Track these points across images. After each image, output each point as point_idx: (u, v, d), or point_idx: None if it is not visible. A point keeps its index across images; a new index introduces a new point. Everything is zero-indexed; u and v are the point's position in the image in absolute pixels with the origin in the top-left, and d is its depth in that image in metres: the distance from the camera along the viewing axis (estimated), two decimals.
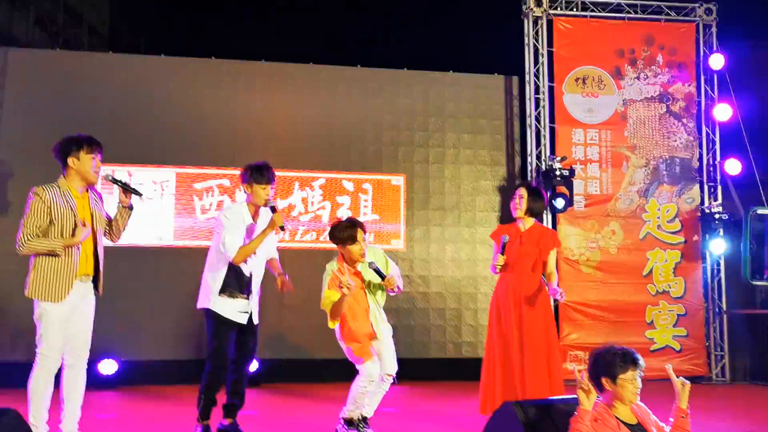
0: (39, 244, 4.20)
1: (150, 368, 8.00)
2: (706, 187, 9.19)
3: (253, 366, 7.87)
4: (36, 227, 4.21)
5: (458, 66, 9.08)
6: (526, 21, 9.05)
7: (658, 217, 9.01)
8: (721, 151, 9.22)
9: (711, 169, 9.24)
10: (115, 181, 4.50)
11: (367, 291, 4.97)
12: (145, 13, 11.05)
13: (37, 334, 4.28)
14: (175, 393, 7.20)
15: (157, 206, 8.13)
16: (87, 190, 4.43)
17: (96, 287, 4.45)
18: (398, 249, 8.64)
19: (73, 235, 4.25)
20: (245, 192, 4.91)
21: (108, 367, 7.72)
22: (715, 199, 9.13)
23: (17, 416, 3.67)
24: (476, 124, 9.05)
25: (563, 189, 8.50)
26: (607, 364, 3.37)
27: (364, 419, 4.98)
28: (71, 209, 4.29)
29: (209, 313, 4.81)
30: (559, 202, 8.47)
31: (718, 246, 8.84)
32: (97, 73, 8.20)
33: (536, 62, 9.07)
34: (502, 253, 5.28)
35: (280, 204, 8.37)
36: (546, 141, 8.97)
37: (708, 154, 9.26)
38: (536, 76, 9.06)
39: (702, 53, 9.28)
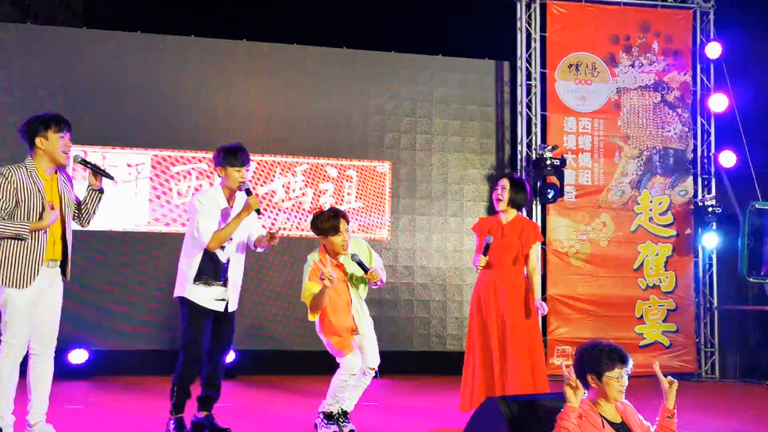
0: (4, 227, 4.15)
1: (122, 358, 7.97)
2: (699, 180, 9.25)
3: (230, 357, 7.85)
4: (2, 209, 4.16)
5: (448, 50, 9.05)
6: (519, 4, 9.03)
7: (650, 210, 9.06)
8: (715, 143, 9.27)
9: (705, 161, 9.29)
10: (84, 163, 4.45)
11: (349, 284, 4.96)
12: None
13: (1, 321, 4.24)
14: (149, 384, 7.18)
15: (132, 190, 8.06)
16: (56, 172, 4.38)
17: (64, 273, 4.40)
18: (382, 238, 8.63)
19: (41, 218, 4.20)
20: (219, 175, 4.88)
21: (78, 356, 7.68)
22: (709, 192, 9.19)
23: None
24: (465, 111, 9.04)
25: (554, 179, 8.52)
26: (593, 361, 3.39)
27: (344, 413, 4.99)
28: (39, 191, 4.25)
29: (184, 301, 4.78)
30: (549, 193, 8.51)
31: (710, 240, 8.90)
32: (70, 49, 8.10)
33: (528, 47, 9.06)
34: (485, 254, 5.27)
35: (260, 190, 8.34)
36: (537, 129, 8.97)
37: (702, 145, 9.31)
38: (528, 61, 9.05)
39: (699, 41, 9.31)
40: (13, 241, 4.19)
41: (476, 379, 5.32)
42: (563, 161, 8.58)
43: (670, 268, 9.01)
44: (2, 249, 4.21)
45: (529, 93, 9.03)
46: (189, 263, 4.79)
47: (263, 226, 5.29)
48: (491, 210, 8.65)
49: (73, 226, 4.51)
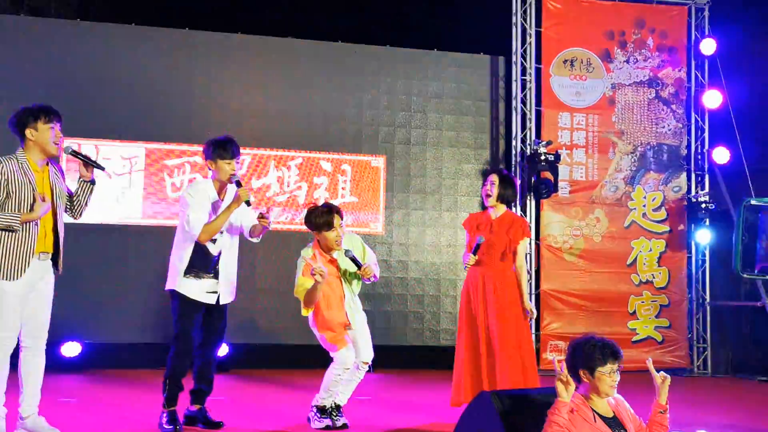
0: None
1: (115, 351, 7.97)
2: (693, 176, 9.28)
3: (223, 350, 7.86)
4: None
5: (443, 44, 9.04)
6: None
7: (644, 206, 9.08)
8: (709, 139, 9.30)
9: (699, 157, 9.32)
10: (75, 154, 4.43)
11: (342, 279, 4.97)
12: None
13: None
14: (142, 377, 7.18)
15: (125, 183, 8.04)
16: (47, 164, 4.36)
17: (56, 265, 4.39)
18: (377, 232, 8.64)
19: (32, 210, 4.19)
20: (209, 168, 4.86)
21: (71, 349, 7.68)
22: (702, 188, 9.22)
23: None
24: (460, 105, 9.04)
25: (548, 174, 8.54)
26: (585, 356, 3.39)
27: (338, 407, 5.00)
28: (30, 183, 4.23)
29: (174, 294, 4.78)
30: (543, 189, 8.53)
31: (703, 236, 8.94)
32: (64, 42, 8.06)
33: (523, 42, 9.06)
34: (474, 254, 5.29)
35: (255, 184, 8.33)
36: (531, 124, 8.98)
37: (696, 141, 9.33)
38: (523, 56, 9.05)
39: (693, 37, 9.33)
40: (3, 232, 4.18)
41: (465, 375, 5.34)
42: (557, 157, 8.59)
43: (664, 263, 9.04)
44: None
45: (523, 88, 9.03)
46: (180, 256, 4.78)
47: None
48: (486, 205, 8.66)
49: (65, 218, 4.49)
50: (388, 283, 8.59)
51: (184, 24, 8.42)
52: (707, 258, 9.20)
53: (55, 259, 4.38)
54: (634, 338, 8.85)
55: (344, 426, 4.95)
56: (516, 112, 8.99)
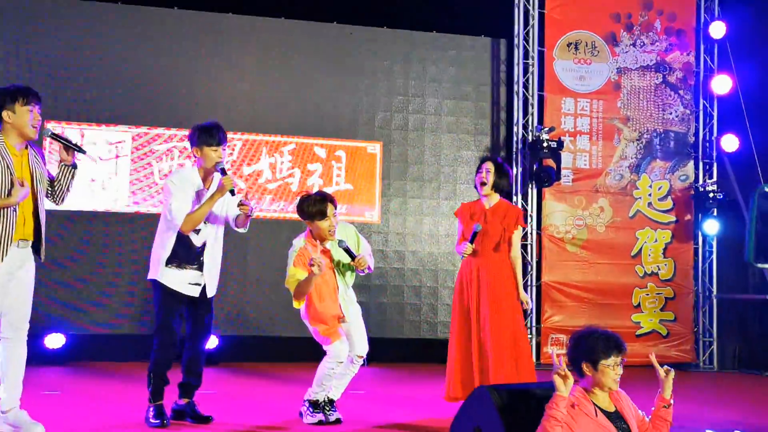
0: None
1: (100, 343, 7.97)
2: (701, 164, 9.28)
3: (213, 343, 7.86)
4: None
5: (442, 26, 9.01)
6: None
7: (650, 195, 9.08)
8: (718, 126, 9.29)
9: (707, 144, 9.32)
10: (55, 137, 4.40)
11: (335, 271, 4.96)
12: None
13: None
14: (128, 370, 7.18)
15: (111, 169, 8.02)
16: (26, 147, 4.33)
17: (37, 253, 4.37)
18: (372, 221, 8.63)
19: (9, 195, 4.16)
20: (195, 155, 4.82)
21: (55, 340, 7.67)
22: (710, 177, 9.22)
23: None
24: (460, 90, 9.02)
25: (550, 162, 8.53)
26: (589, 349, 3.39)
27: (331, 402, 5.01)
28: (8, 167, 4.20)
29: (156, 285, 4.77)
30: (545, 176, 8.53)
31: (711, 226, 8.94)
32: (48, 21, 8.01)
33: (526, 24, 9.03)
34: (472, 242, 5.30)
35: (246, 170, 8.31)
36: (534, 110, 8.97)
37: (705, 128, 9.33)
38: (525, 39, 9.03)
39: (703, 20, 9.30)
40: None
41: (455, 369, 5.38)
42: (560, 143, 8.58)
43: (669, 255, 9.05)
44: None
45: (526, 72, 9.01)
46: (162, 245, 4.76)
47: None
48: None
49: (48, 205, 4.47)
50: (384, 274, 8.59)
51: (172, 3, 8.37)
52: (714, 249, 9.22)
53: (36, 247, 4.35)
54: (639, 332, 8.87)
55: (338, 421, 4.96)
56: (518, 97, 8.97)
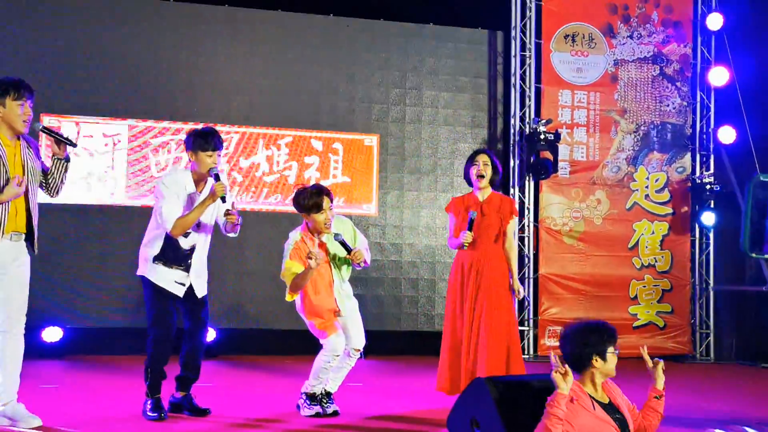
0: None
1: (98, 336, 7.97)
2: (698, 156, 9.29)
3: (210, 335, 7.88)
4: None
5: (439, 18, 8.98)
6: None
7: (647, 187, 9.09)
8: (715, 118, 9.30)
9: (704, 136, 9.32)
10: (46, 131, 4.39)
11: (331, 264, 4.96)
12: None
13: None
14: (125, 363, 7.19)
15: (108, 162, 8.00)
16: (18, 138, 4.32)
17: (30, 246, 4.36)
18: (370, 214, 8.63)
19: (1, 191, 4.15)
20: (190, 159, 4.81)
21: (52, 334, 7.67)
22: (707, 169, 9.23)
23: None
24: (457, 82, 9.00)
25: (547, 154, 8.53)
26: (597, 341, 3.40)
27: (328, 394, 5.02)
28: (0, 158, 4.19)
29: (145, 281, 4.78)
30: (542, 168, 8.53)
31: (708, 218, 8.96)
32: (43, 14, 7.97)
33: (523, 17, 9.02)
34: (470, 229, 5.32)
35: (243, 163, 8.30)
36: (531, 102, 8.96)
37: (702, 120, 9.33)
38: (523, 31, 9.01)
39: (700, 12, 9.29)
40: None
41: (445, 360, 5.44)
42: (557, 136, 8.58)
43: (666, 247, 9.07)
44: None
45: (523, 64, 9.01)
46: (151, 243, 4.76)
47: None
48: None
49: (44, 198, 4.47)
50: (382, 267, 8.59)
51: None
52: (711, 241, 9.24)
53: (29, 240, 4.34)
54: (635, 324, 8.89)
55: (335, 413, 4.97)
56: (515, 89, 8.96)
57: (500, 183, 5.71)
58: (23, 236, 4.31)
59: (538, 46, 8.99)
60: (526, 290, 8.83)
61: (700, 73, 9.31)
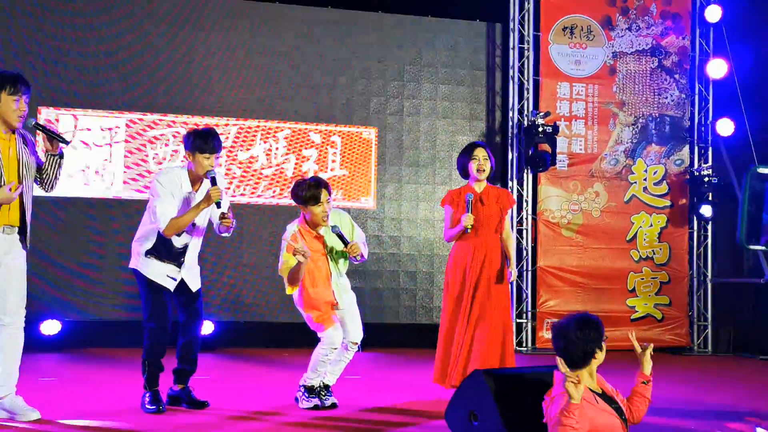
0: None
1: (96, 329, 7.97)
2: (696, 149, 9.28)
3: (208, 328, 7.88)
4: None
5: (437, 10, 8.96)
6: None
7: (645, 179, 9.09)
8: (713, 110, 9.29)
9: (702, 129, 9.32)
10: (38, 127, 4.38)
11: (328, 257, 4.96)
12: None
13: None
14: (123, 356, 7.18)
15: (105, 155, 7.99)
16: (14, 132, 4.31)
17: (23, 240, 4.35)
18: (368, 207, 8.62)
19: None
20: (187, 159, 4.79)
21: (50, 327, 7.67)
22: (706, 162, 9.23)
23: None
24: (455, 75, 8.99)
25: (545, 147, 8.52)
26: (598, 335, 3.41)
27: (326, 387, 5.03)
28: None
29: (137, 274, 4.78)
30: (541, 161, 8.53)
31: (706, 211, 8.95)
32: (40, 6, 7.94)
33: (521, 9, 9.00)
34: (470, 211, 5.39)
35: (241, 156, 8.28)
36: (529, 95, 8.95)
37: (700, 113, 9.32)
38: (521, 23, 8.99)
39: (698, 4, 9.27)
40: None
41: (439, 352, 5.49)
42: (556, 128, 8.57)
43: (664, 239, 9.07)
44: None
45: (521, 57, 8.99)
46: (144, 237, 4.75)
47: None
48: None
49: (42, 191, 4.46)
50: (380, 260, 8.59)
51: None
52: (709, 234, 9.24)
53: (22, 234, 4.33)
54: (633, 316, 8.90)
55: (333, 405, 4.98)
56: (513, 81, 8.95)
57: (493, 175, 5.80)
58: (16, 230, 4.30)
59: (536, 39, 8.97)
60: (525, 283, 8.84)
61: (698, 66, 9.29)
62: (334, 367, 5.04)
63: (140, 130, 8.08)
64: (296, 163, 8.43)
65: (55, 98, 7.83)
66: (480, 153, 5.54)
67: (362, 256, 4.95)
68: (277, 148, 8.41)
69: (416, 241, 8.77)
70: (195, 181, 4.78)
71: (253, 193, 8.28)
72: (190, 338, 4.88)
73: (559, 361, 3.30)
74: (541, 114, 8.59)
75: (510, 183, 8.85)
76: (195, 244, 4.86)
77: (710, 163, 9.19)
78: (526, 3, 8.97)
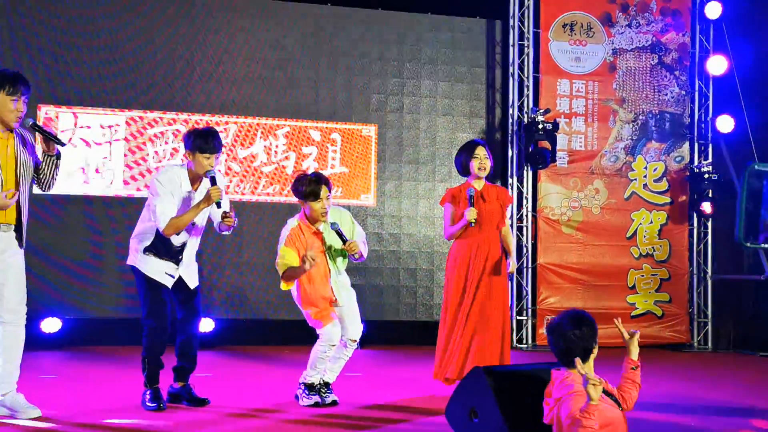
0: None
1: (97, 327, 7.97)
2: (696, 145, 9.28)
3: (209, 326, 7.88)
4: None
5: (437, 8, 8.95)
6: None
7: (645, 176, 9.08)
8: (714, 107, 9.29)
9: (702, 126, 9.31)
10: (35, 127, 4.37)
11: (327, 255, 4.96)
12: None
13: None
14: (124, 353, 7.19)
15: (105, 152, 7.98)
16: (12, 131, 4.31)
17: (19, 239, 4.34)
18: (368, 204, 8.62)
19: None
20: (187, 158, 4.78)
21: (51, 325, 7.67)
22: (706, 158, 9.22)
23: None
24: (455, 72, 8.98)
25: (545, 144, 8.52)
26: (594, 331, 3.42)
27: (326, 384, 5.02)
28: None
29: (136, 271, 4.77)
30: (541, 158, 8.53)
31: (706, 208, 8.95)
32: (40, 4, 7.92)
33: (521, 5, 8.99)
34: (472, 205, 5.43)
35: (241, 153, 8.28)
36: (529, 92, 8.95)
37: (700, 109, 9.32)
38: (521, 20, 8.98)
39: (698, 0, 9.26)
40: None
41: (439, 348, 5.52)
42: (556, 125, 8.57)
43: (664, 236, 9.07)
44: None
45: (521, 54, 8.98)
46: (142, 234, 4.75)
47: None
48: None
49: (41, 190, 4.46)
50: (380, 257, 8.59)
51: None
52: (709, 230, 9.24)
53: (18, 232, 4.33)
54: (634, 313, 8.90)
55: (334, 403, 4.98)
56: (513, 78, 8.94)
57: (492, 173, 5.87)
58: (12, 227, 4.30)
59: (536, 36, 8.96)
60: (525, 280, 8.84)
61: (698, 62, 9.29)
62: (334, 365, 5.04)
63: (140, 128, 8.08)
64: (296, 161, 8.42)
65: (55, 96, 7.83)
66: (481, 152, 5.58)
67: (361, 255, 4.95)
68: (277, 146, 8.41)
69: (416, 238, 8.76)
70: (194, 180, 4.78)
71: (253, 190, 8.27)
72: (188, 335, 4.87)
73: (578, 363, 3.29)
74: (541, 111, 8.58)
75: (510, 180, 8.85)
76: (193, 242, 4.86)
77: (710, 159, 9.18)
78: (526, 0, 8.96)
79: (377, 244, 8.51)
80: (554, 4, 8.96)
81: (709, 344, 9.16)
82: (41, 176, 4.45)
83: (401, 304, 8.69)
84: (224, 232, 4.94)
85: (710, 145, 9.27)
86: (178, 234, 4.71)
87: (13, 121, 4.25)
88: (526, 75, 8.95)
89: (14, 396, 4.37)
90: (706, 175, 8.90)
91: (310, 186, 4.87)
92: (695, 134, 9.27)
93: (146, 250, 4.72)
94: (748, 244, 8.30)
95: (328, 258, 4.97)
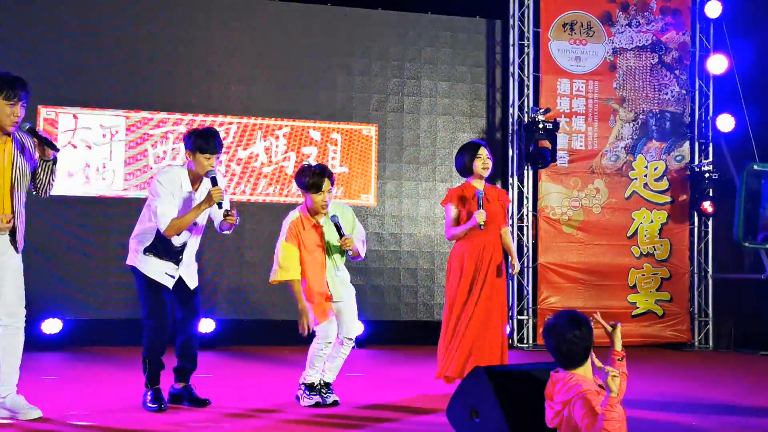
0: None
1: (98, 328, 7.96)
2: (696, 144, 9.27)
3: (210, 327, 7.88)
4: None
5: (437, 7, 8.95)
6: None
7: (645, 175, 9.08)
8: (714, 106, 9.28)
9: (703, 125, 9.31)
10: (30, 132, 4.37)
11: (325, 250, 4.95)
12: None
13: None
14: (125, 354, 7.19)
15: (106, 153, 7.98)
16: (9, 135, 4.30)
17: (14, 244, 4.33)
18: (368, 204, 8.62)
19: None
20: (187, 158, 4.78)
21: (52, 326, 7.67)
22: (706, 157, 9.22)
23: None
24: (455, 72, 8.98)
25: (546, 143, 8.51)
26: (590, 330, 3.42)
27: (327, 385, 5.02)
28: None
29: (136, 271, 4.77)
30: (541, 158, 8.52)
31: (706, 207, 8.95)
32: (38, 2, 7.93)
33: (521, 5, 8.99)
34: (481, 206, 5.43)
35: (241, 154, 8.28)
36: (529, 91, 8.94)
37: (700, 109, 9.31)
38: (521, 20, 8.98)
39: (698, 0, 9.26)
40: None
41: (441, 347, 5.55)
42: (556, 125, 8.56)
43: (665, 235, 9.07)
44: None
45: (521, 53, 8.98)
46: (143, 234, 4.74)
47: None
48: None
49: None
50: (381, 257, 8.59)
51: None
52: (710, 229, 9.23)
53: (13, 236, 4.32)
54: (634, 312, 8.89)
55: (335, 403, 4.97)
56: (513, 78, 8.94)
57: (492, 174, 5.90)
58: (7, 233, 4.29)
59: (536, 35, 8.96)
60: (526, 280, 8.84)
61: (698, 61, 9.28)
62: (332, 364, 5.03)
63: (141, 128, 8.07)
64: (296, 161, 8.42)
65: (55, 97, 7.83)
66: (484, 152, 5.61)
67: (358, 252, 4.95)
68: (277, 146, 8.41)
69: (417, 238, 8.76)
70: (195, 180, 4.78)
71: (253, 191, 8.27)
72: (188, 336, 4.87)
73: (595, 359, 3.31)
74: (542, 110, 8.58)
75: (510, 180, 8.84)
76: (193, 243, 4.86)
77: (711, 158, 9.18)
78: None
79: (378, 244, 8.51)
80: (554, 3, 8.96)
81: (710, 343, 9.16)
82: (37, 182, 4.44)
83: (402, 303, 8.68)
84: (225, 231, 4.94)
85: (711, 144, 9.26)
86: (178, 234, 4.71)
87: (9, 126, 4.24)
88: (526, 74, 8.95)
89: (15, 397, 4.37)
90: (707, 174, 8.89)
91: (313, 178, 4.87)
92: (696, 133, 9.27)
93: (146, 250, 4.72)
94: (747, 244, 8.30)
95: (326, 253, 4.96)
